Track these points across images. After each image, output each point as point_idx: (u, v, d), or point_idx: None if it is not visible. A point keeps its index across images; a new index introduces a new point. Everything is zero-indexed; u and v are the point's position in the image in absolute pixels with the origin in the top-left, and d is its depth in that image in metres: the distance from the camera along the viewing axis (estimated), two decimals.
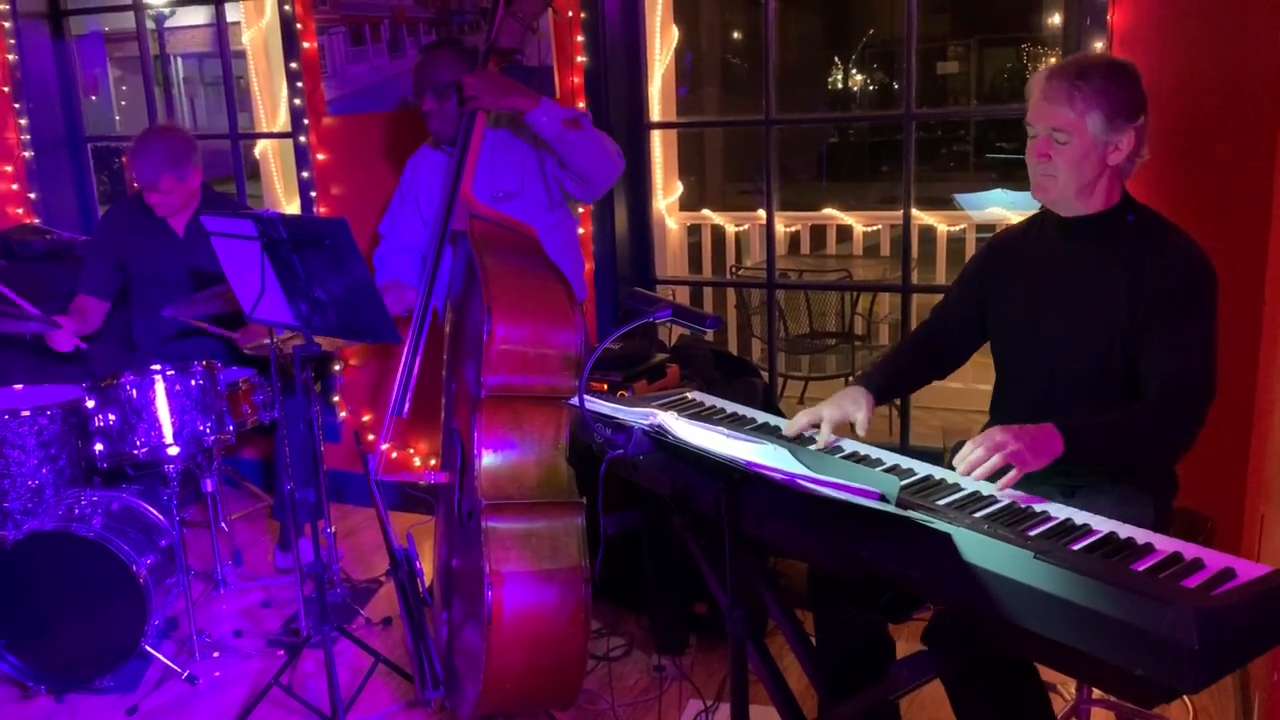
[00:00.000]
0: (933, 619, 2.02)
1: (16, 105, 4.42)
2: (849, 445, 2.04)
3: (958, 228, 4.99)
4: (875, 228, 5.15)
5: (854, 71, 22.62)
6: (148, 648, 2.88)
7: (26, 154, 4.47)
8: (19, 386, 3.32)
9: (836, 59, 21.77)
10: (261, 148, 4.67)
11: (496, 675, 2.14)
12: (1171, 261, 1.93)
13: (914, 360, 2.31)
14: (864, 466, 1.89)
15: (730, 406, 2.27)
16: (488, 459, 2.30)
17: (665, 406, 2.09)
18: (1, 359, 3.46)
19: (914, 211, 3.44)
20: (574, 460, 2.42)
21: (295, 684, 2.86)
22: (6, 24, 4.37)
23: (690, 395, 2.36)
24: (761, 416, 2.20)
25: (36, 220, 4.47)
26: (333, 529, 3.29)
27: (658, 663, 2.88)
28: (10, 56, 4.38)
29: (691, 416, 1.90)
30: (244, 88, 4.81)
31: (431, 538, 2.98)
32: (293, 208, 4.52)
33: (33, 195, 4.49)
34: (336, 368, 4.11)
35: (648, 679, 2.84)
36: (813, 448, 1.99)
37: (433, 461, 3.98)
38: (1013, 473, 1.73)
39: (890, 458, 1.97)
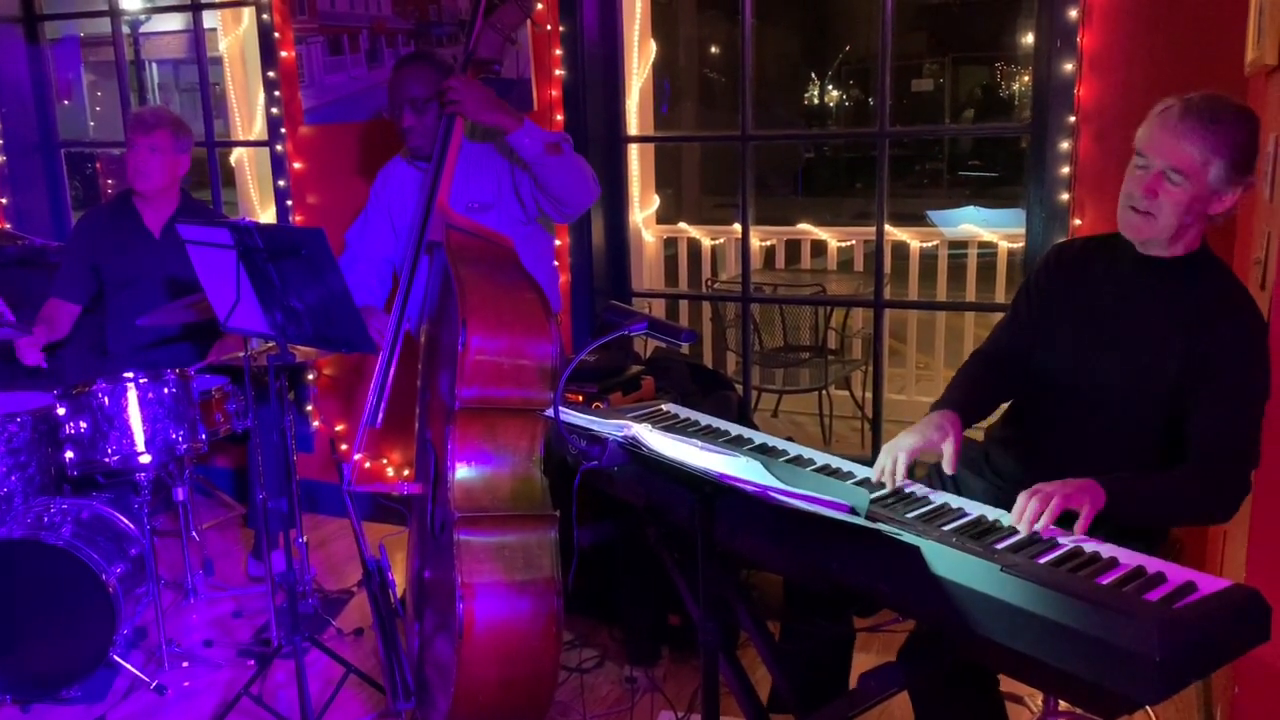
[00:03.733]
0: (909, 638, 2.04)
1: None
2: (820, 458, 2.06)
3: (930, 244, 5.04)
4: (849, 243, 5.20)
5: (830, 88, 22.80)
6: (116, 657, 2.86)
7: None
8: None
9: (813, 75, 21.95)
10: (237, 155, 4.66)
11: (468, 687, 2.14)
12: (1235, 330, 1.87)
13: (991, 377, 2.18)
14: (835, 480, 1.91)
15: (705, 419, 2.29)
16: (461, 471, 2.30)
17: (640, 419, 2.11)
18: None
19: (887, 228, 3.48)
20: (549, 472, 2.43)
21: (266, 694, 2.84)
22: None
23: (665, 407, 2.38)
24: (735, 429, 2.22)
25: (8, 226, 4.43)
26: (305, 539, 3.28)
27: (630, 674, 2.89)
28: None
29: (666, 429, 1.92)
30: (219, 95, 4.80)
31: (404, 548, 2.98)
32: (268, 215, 4.50)
33: (3, 200, 4.46)
34: (310, 377, 4.10)
35: (620, 690, 2.85)
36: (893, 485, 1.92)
37: (405, 472, 3.97)
38: (1086, 510, 1.68)
39: (861, 470, 1.99)
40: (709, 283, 5.17)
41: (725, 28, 15.58)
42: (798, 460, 2.04)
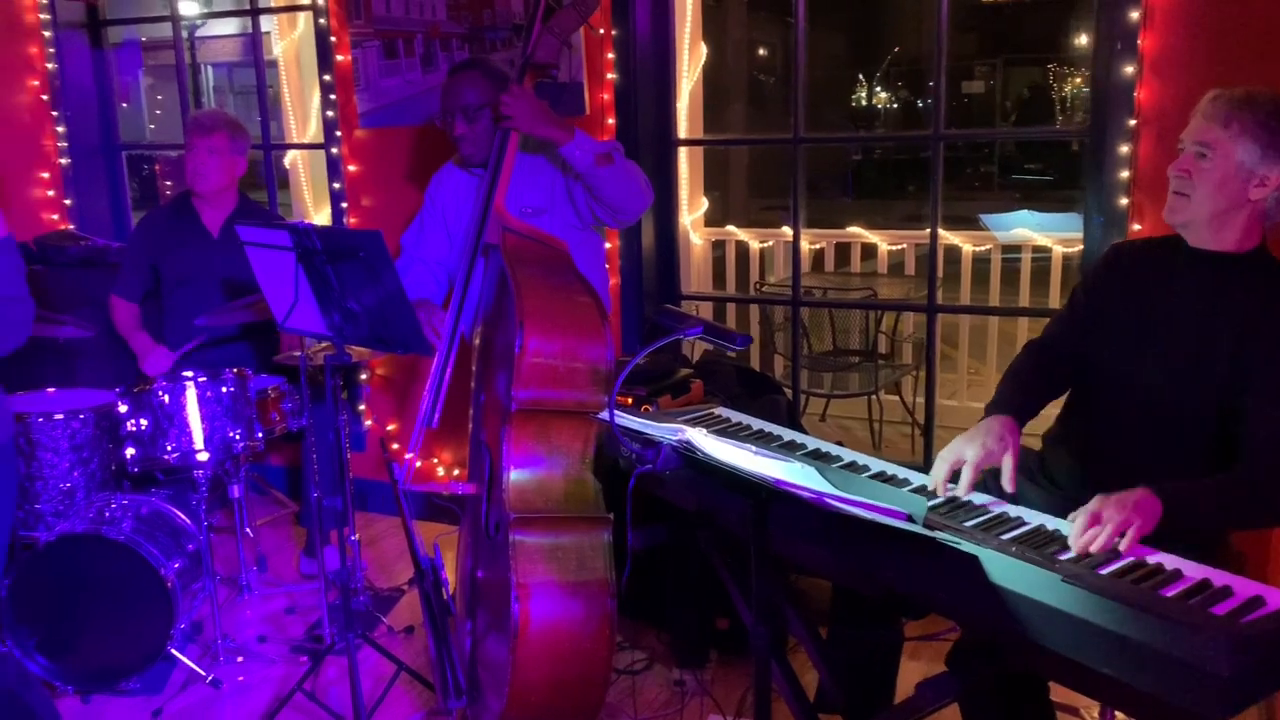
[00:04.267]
0: (956, 645, 2.03)
1: (55, 113, 4.49)
2: (875, 464, 2.05)
3: (983, 248, 4.99)
4: (900, 246, 5.15)
5: (878, 89, 22.66)
6: (173, 651, 2.90)
7: (63, 161, 4.53)
8: (51, 390, 3.36)
9: (861, 77, 21.82)
10: (291, 158, 4.73)
11: (521, 687, 2.15)
12: None
13: (1045, 371, 2.16)
14: (891, 486, 1.90)
15: (756, 423, 2.29)
16: (516, 472, 2.32)
17: (693, 422, 2.11)
18: (33, 363, 3.50)
19: (940, 231, 3.45)
20: (600, 475, 2.44)
21: (318, 690, 2.88)
22: (47, 33, 4.44)
23: (717, 411, 2.38)
24: (787, 434, 2.21)
25: (71, 227, 4.53)
26: (357, 536, 3.31)
27: (678, 677, 2.89)
28: (50, 65, 4.45)
29: (718, 433, 1.92)
30: (274, 98, 4.87)
31: (453, 547, 3.00)
32: (321, 217, 4.57)
33: (68, 202, 4.56)
34: (363, 377, 4.14)
35: (668, 693, 2.85)
36: (954, 493, 1.91)
37: (456, 472, 4.01)
38: (1132, 532, 1.66)
39: (917, 477, 1.98)
40: (758, 286, 5.16)
41: (773, 30, 15.53)
42: (852, 466, 2.03)
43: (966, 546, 1.60)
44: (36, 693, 2.26)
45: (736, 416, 2.33)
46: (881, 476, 1.98)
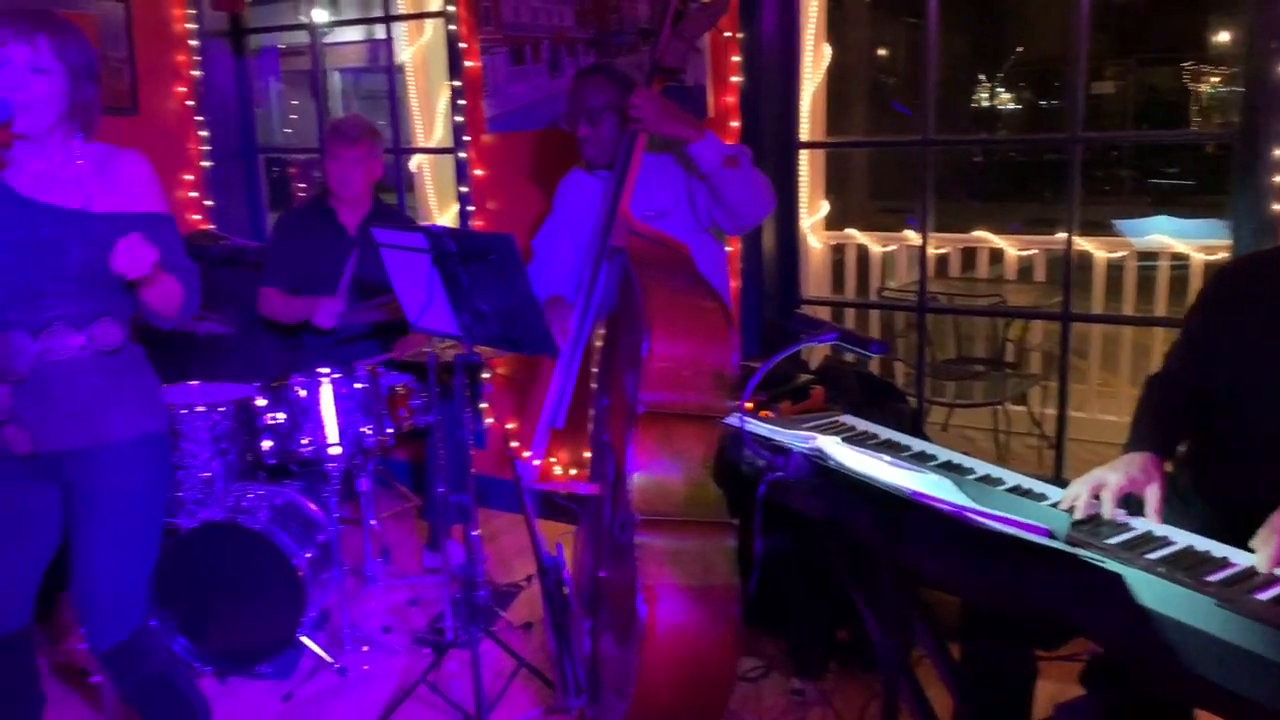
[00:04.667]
0: (1090, 664, 1.95)
1: (199, 118, 4.70)
2: (1010, 477, 1.99)
3: (1117, 255, 4.80)
4: (1030, 252, 4.98)
5: (999, 90, 22.05)
6: (303, 638, 3.01)
7: (205, 164, 4.75)
8: (194, 383, 3.51)
9: (982, 77, 21.27)
10: (417, 161, 4.84)
11: (646, 689, 2.16)
12: None
13: (1175, 404, 2.07)
14: (1029, 501, 1.85)
15: (884, 432, 2.25)
16: (640, 474, 2.33)
17: (822, 430, 2.09)
18: (177, 356, 3.67)
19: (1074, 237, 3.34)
20: (719, 479, 2.43)
21: (439, 682, 2.95)
22: (193, 42, 4.66)
23: (843, 419, 2.34)
24: (917, 444, 2.17)
25: (212, 227, 4.74)
26: (479, 532, 3.37)
27: (797, 686, 2.86)
28: (195, 72, 4.67)
29: (847, 441, 1.89)
30: (398, 102, 5.00)
31: (572, 546, 3.03)
32: (445, 219, 4.68)
33: (209, 203, 4.77)
34: (485, 376, 4.22)
35: (786, 701, 2.83)
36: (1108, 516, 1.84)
37: (573, 471, 4.05)
38: None
39: (1054, 492, 1.91)
40: (880, 290, 5.07)
41: (894, 30, 15.26)
42: (986, 479, 1.98)
43: (1111, 565, 1.54)
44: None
45: (863, 425, 2.29)
46: (1018, 491, 1.93)
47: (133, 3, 4.38)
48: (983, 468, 2.03)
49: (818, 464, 1.63)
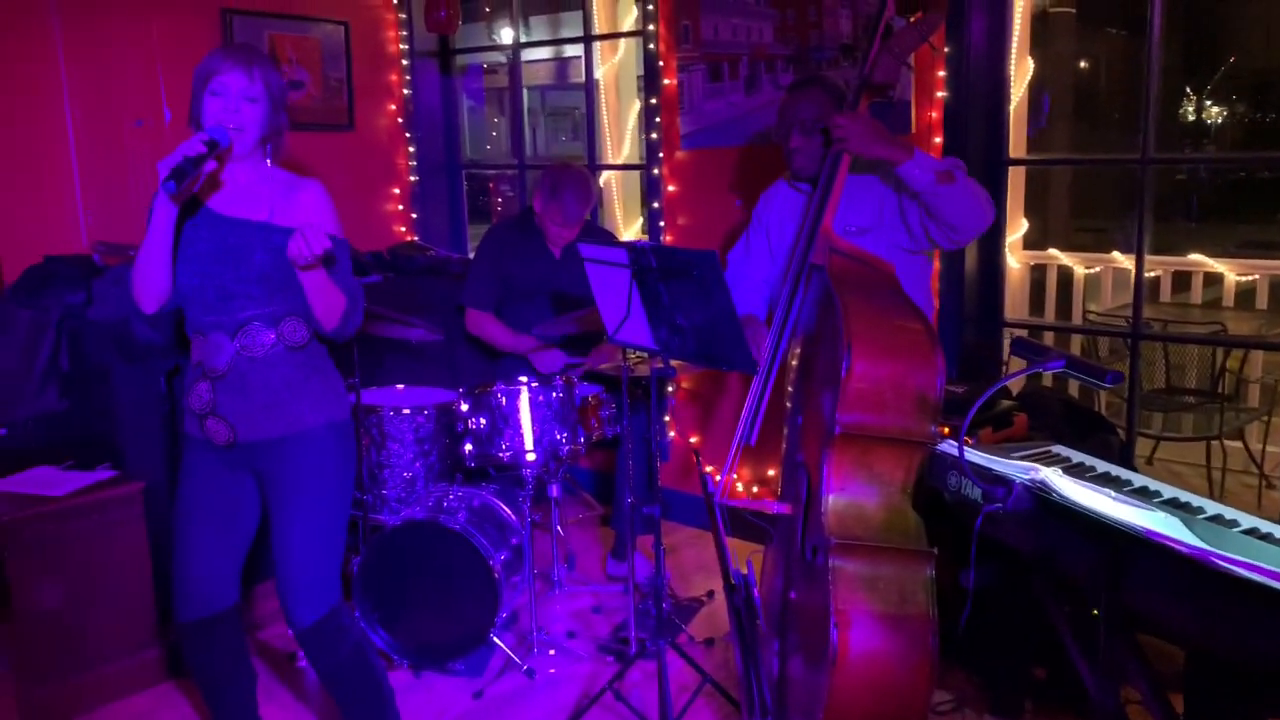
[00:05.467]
0: None
1: (408, 134, 4.95)
2: (1245, 519, 1.85)
3: None
4: (1251, 277, 4.65)
5: (1208, 103, 20.72)
6: (495, 638, 3.10)
7: (412, 178, 4.98)
8: (400, 386, 3.69)
9: (1189, 89, 20.03)
10: (605, 177, 4.94)
11: (835, 716, 2.12)
12: None
13: None
14: (1269, 545, 1.71)
15: (1100, 465, 2.13)
16: (835, 496, 2.29)
17: (1035, 460, 2.00)
18: (386, 361, 3.86)
19: None
20: (919, 506, 2.36)
21: (621, 691, 2.98)
22: (405, 62, 4.91)
23: (1054, 450, 2.23)
24: (1138, 478, 2.04)
25: (416, 238, 4.97)
26: (664, 544, 3.40)
27: None
28: (406, 91, 4.91)
29: (1064, 473, 1.80)
30: (579, 118, 5.10)
31: (760, 564, 3.01)
32: (630, 233, 4.76)
33: (414, 215, 5.00)
34: (670, 390, 4.26)
35: None
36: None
37: (755, 489, 4.03)
38: None
39: None
40: (1086, 315, 4.83)
41: (1097, 42, 14.56)
42: (1218, 519, 1.85)
43: None
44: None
45: (1077, 456, 2.18)
46: (1255, 534, 1.79)
47: (352, 25, 4.65)
48: (1212, 507, 1.90)
49: (1040, 496, 1.56)
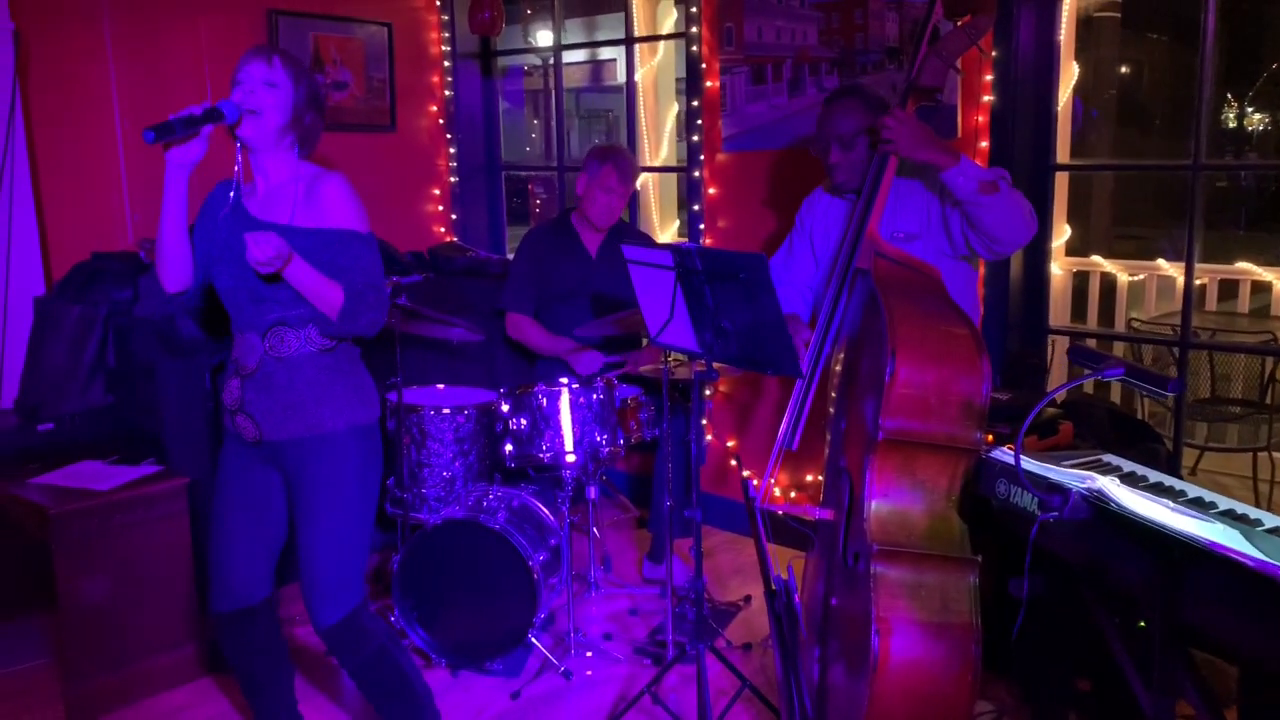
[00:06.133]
0: None
1: (449, 136, 4.97)
2: None
3: None
4: None
5: (1250, 110, 20.40)
6: (533, 638, 3.10)
7: (452, 179, 5.01)
8: (440, 386, 3.70)
9: (1230, 96, 19.73)
10: (643, 179, 4.94)
11: None
12: None
13: None
14: None
15: (1153, 475, 2.10)
16: (878, 502, 2.27)
17: (1088, 468, 1.97)
18: (428, 361, 3.88)
19: None
20: (964, 513, 2.34)
21: (658, 694, 2.97)
22: (446, 64, 4.93)
23: (1105, 458, 2.21)
24: (1192, 489, 2.01)
25: (455, 239, 4.99)
26: (702, 549, 3.39)
27: None
28: (447, 93, 4.94)
29: (1123, 483, 1.78)
30: (613, 120, 5.11)
31: (800, 569, 2.99)
32: (666, 235, 4.75)
33: (454, 216, 5.03)
34: (707, 393, 4.25)
35: None
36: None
37: (792, 494, 4.01)
38: None
39: None
40: (1130, 323, 4.76)
41: (1140, 47, 14.37)
42: (1277, 532, 1.81)
43: None
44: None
45: (1129, 465, 2.15)
46: None
47: (395, 26, 4.68)
48: (1270, 519, 1.86)
49: (1097, 506, 1.54)
